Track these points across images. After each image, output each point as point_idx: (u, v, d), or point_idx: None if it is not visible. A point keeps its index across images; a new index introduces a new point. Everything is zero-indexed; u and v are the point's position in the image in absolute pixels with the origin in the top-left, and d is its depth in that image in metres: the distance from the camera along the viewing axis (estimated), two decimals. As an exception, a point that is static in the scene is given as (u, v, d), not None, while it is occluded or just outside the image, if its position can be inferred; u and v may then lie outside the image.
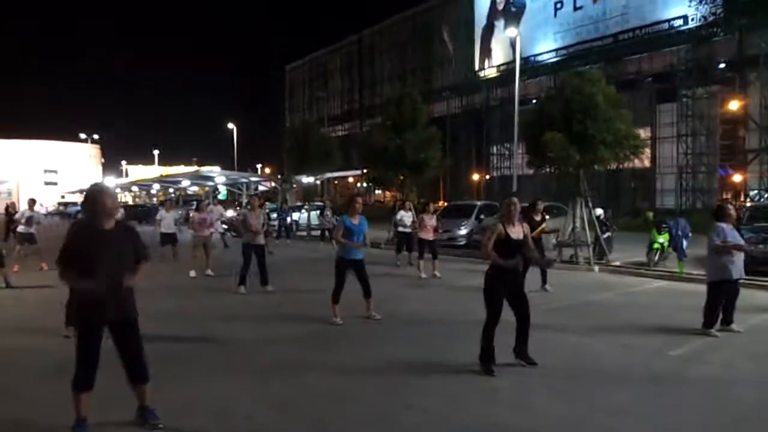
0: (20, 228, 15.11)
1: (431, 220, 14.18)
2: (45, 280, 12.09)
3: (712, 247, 7.61)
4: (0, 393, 5.62)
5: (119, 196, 66.00)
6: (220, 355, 6.96)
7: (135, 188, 54.20)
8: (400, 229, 15.75)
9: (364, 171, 22.74)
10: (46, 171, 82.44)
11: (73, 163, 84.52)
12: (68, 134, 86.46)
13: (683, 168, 34.54)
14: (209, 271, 13.84)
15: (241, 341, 7.63)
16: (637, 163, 38.28)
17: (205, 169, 32.84)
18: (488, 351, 6.17)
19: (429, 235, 14.02)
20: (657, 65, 36.89)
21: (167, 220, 16.68)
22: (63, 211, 52.91)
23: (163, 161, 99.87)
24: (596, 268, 14.81)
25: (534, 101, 33.52)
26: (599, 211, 16.49)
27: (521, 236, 6.27)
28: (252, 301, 10.77)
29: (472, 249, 18.68)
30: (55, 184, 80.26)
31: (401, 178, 21.59)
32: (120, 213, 6.08)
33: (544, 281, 11.47)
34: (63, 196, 70.17)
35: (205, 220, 14.30)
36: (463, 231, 20.93)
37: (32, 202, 16.07)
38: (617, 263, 15.19)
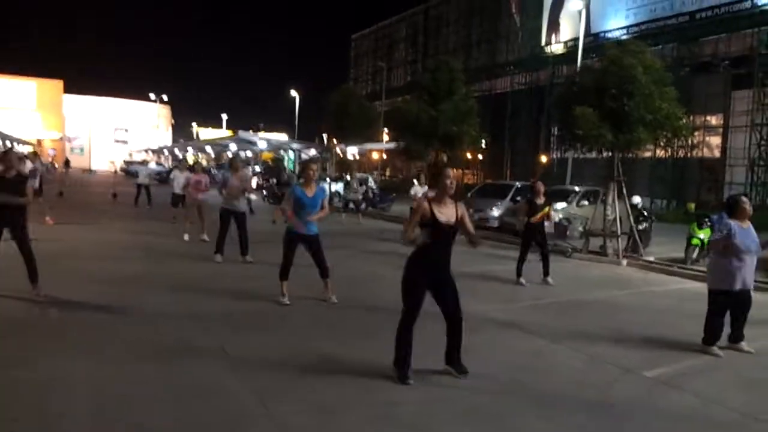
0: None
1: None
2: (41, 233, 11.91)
3: (711, 243, 6.30)
4: None
5: (185, 156, 66.98)
6: (121, 331, 6.11)
7: (190, 149, 54.56)
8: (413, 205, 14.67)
9: (397, 143, 21.49)
10: (116, 129, 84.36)
11: (144, 122, 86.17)
12: (140, 94, 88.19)
13: (755, 161, 31.76)
14: (204, 236, 13.11)
15: (163, 316, 6.79)
16: (706, 152, 35.80)
17: (243, 133, 32.39)
18: (404, 355, 5.08)
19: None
20: (735, 48, 33.79)
21: (178, 180, 16.19)
22: (126, 168, 53.59)
23: (233, 125, 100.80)
24: (624, 261, 13.34)
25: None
26: (636, 200, 14.90)
27: (453, 220, 5.10)
28: (222, 271, 9.96)
29: (504, 233, 17.46)
30: (126, 142, 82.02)
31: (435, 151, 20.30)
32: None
33: (545, 272, 10.20)
34: (130, 154, 71.72)
35: (200, 182, 13.57)
36: (496, 212, 19.59)
37: (34, 155, 15.84)
38: (651, 258, 13.66)
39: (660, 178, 35.31)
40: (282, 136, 60.47)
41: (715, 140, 35.57)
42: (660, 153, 31.93)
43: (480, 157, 60.71)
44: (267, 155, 51.59)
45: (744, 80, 32.77)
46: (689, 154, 34.83)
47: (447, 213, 5.05)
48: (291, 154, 37.48)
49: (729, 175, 33.98)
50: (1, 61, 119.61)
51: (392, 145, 22.49)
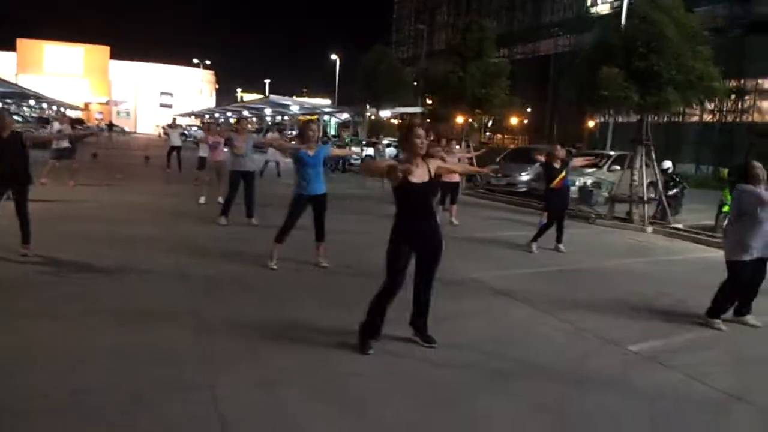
0: (55, 144, 14.80)
1: (453, 160, 12.46)
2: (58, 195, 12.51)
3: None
4: None
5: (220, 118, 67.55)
6: (98, 291, 5.96)
7: (229, 113, 54.76)
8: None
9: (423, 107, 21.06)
10: (162, 93, 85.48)
11: (188, 87, 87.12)
12: (185, 60, 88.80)
13: (811, 125, 30.19)
14: (221, 199, 13.00)
15: (148, 277, 6.68)
16: (756, 117, 34.12)
17: (275, 97, 32.18)
18: (373, 324, 4.83)
19: (452, 178, 12.33)
20: (796, 5, 31.97)
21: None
22: (167, 131, 54.33)
23: (276, 92, 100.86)
24: (650, 228, 12.78)
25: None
26: (667, 164, 14.21)
27: (426, 178, 4.78)
28: (222, 233, 9.81)
29: (531, 198, 16.94)
30: (170, 106, 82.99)
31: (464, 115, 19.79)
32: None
33: (558, 239, 9.75)
34: (174, 119, 72.62)
35: (219, 143, 13.29)
36: (525, 177, 19.05)
37: (63, 116, 15.99)
38: (679, 225, 13.05)
39: (707, 143, 33.94)
40: (324, 101, 60.24)
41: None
42: (707, 117, 30.66)
43: (525, 122, 59.40)
44: (304, 119, 51.54)
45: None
46: (738, 119, 33.32)
47: (419, 174, 4.73)
48: (326, 117, 37.34)
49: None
50: (50, 29, 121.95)
51: (419, 108, 22.01)
